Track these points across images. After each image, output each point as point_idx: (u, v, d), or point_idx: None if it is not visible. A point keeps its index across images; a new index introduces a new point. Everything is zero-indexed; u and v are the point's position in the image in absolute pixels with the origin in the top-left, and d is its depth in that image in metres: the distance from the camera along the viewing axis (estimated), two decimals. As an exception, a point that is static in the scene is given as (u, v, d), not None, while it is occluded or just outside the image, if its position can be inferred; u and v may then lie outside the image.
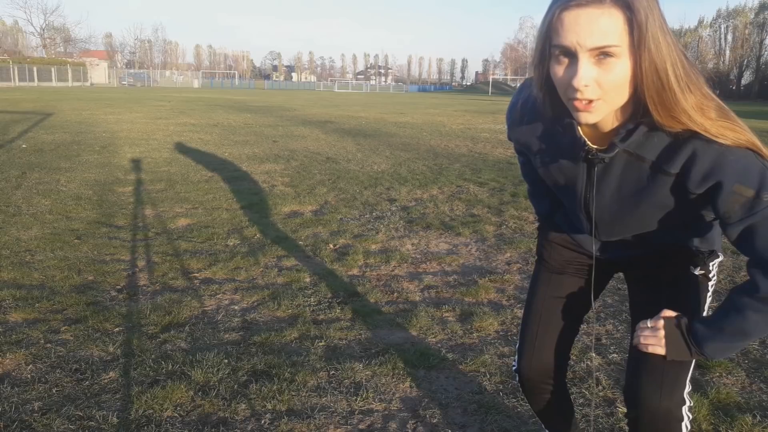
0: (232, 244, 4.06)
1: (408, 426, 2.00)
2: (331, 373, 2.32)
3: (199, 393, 2.14)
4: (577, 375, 2.33)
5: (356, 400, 2.13)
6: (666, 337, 1.15)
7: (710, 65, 59.25)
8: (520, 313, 2.93)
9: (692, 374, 1.24)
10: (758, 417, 2.05)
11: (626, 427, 1.51)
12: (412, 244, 4.18)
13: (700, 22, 66.91)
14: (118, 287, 3.20)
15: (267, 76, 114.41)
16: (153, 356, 2.40)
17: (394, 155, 8.85)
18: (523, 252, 4.02)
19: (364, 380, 2.27)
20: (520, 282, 3.43)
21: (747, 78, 62.22)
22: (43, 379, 2.21)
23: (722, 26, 65.02)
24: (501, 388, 2.24)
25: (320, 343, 2.57)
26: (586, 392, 2.22)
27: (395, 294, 3.21)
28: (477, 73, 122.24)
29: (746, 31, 61.53)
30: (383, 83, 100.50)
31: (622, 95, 0.98)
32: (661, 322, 1.16)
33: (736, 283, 3.08)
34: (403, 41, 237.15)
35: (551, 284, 1.43)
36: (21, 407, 2.02)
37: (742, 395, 2.21)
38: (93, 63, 62.97)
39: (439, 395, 2.18)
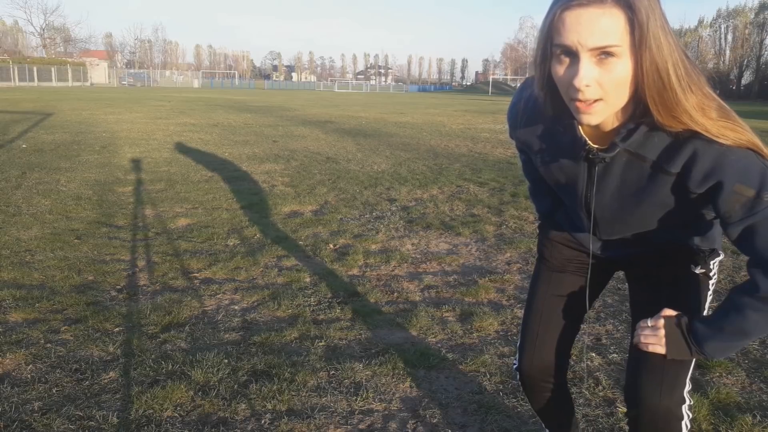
0: (232, 244, 4.06)
1: (408, 426, 2.00)
2: (331, 373, 2.32)
3: (199, 393, 2.14)
4: (577, 375, 2.33)
5: (356, 400, 2.13)
6: (666, 336, 1.15)
7: (710, 65, 59.28)
8: (520, 313, 2.93)
9: (692, 373, 1.24)
10: (758, 417, 2.05)
11: (626, 427, 1.51)
12: (412, 244, 4.18)
13: (700, 22, 67.01)
14: (118, 287, 3.20)
15: (267, 76, 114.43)
16: (153, 356, 2.40)
17: (394, 155, 8.85)
18: (523, 252, 4.02)
19: (364, 380, 2.27)
20: (520, 282, 3.43)
21: (747, 78, 62.25)
22: (43, 379, 2.21)
23: (722, 26, 65.10)
24: (501, 388, 2.24)
25: (320, 343, 2.57)
26: (586, 392, 2.22)
27: (395, 294, 3.21)
28: (477, 73, 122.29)
29: (746, 31, 61.56)
30: (383, 83, 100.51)
31: (623, 95, 0.98)
32: (662, 322, 1.16)
33: (736, 282, 3.08)
34: (403, 41, 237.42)
35: (552, 283, 1.43)
36: (21, 407, 2.02)
37: (742, 395, 2.21)
38: (93, 63, 62.97)
39: (439, 395, 2.18)
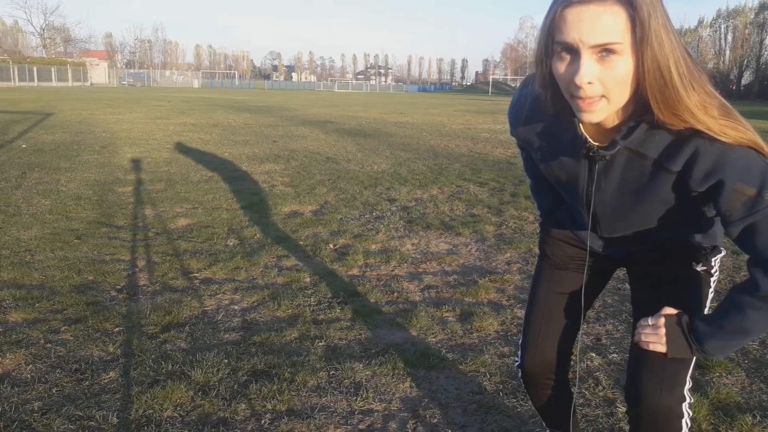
0: (232, 244, 4.06)
1: (408, 426, 1.99)
2: (331, 373, 2.32)
3: (199, 393, 2.14)
4: (577, 375, 2.33)
5: (356, 400, 2.13)
6: (667, 334, 1.15)
7: (710, 65, 59.31)
8: (520, 313, 2.92)
9: (693, 372, 1.24)
10: (758, 417, 2.05)
11: (626, 427, 1.51)
12: (412, 244, 4.17)
13: (700, 22, 67.00)
14: (118, 287, 3.20)
15: (267, 76, 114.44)
16: (153, 356, 2.40)
17: (394, 155, 8.85)
18: (523, 252, 4.01)
19: (364, 380, 2.27)
20: (520, 282, 3.43)
21: (747, 78, 62.26)
22: (43, 379, 2.20)
23: (722, 26, 65.09)
24: (501, 388, 2.23)
25: (320, 343, 2.57)
26: (586, 392, 2.21)
27: (395, 294, 3.21)
28: (477, 73, 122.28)
29: (746, 31, 61.56)
30: (383, 83, 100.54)
31: (624, 93, 0.98)
32: (662, 320, 1.16)
33: (736, 282, 3.05)
34: (403, 41, 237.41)
35: (553, 280, 1.44)
36: (21, 407, 2.01)
37: (742, 395, 2.20)
38: (93, 63, 62.98)
39: (439, 395, 2.18)
